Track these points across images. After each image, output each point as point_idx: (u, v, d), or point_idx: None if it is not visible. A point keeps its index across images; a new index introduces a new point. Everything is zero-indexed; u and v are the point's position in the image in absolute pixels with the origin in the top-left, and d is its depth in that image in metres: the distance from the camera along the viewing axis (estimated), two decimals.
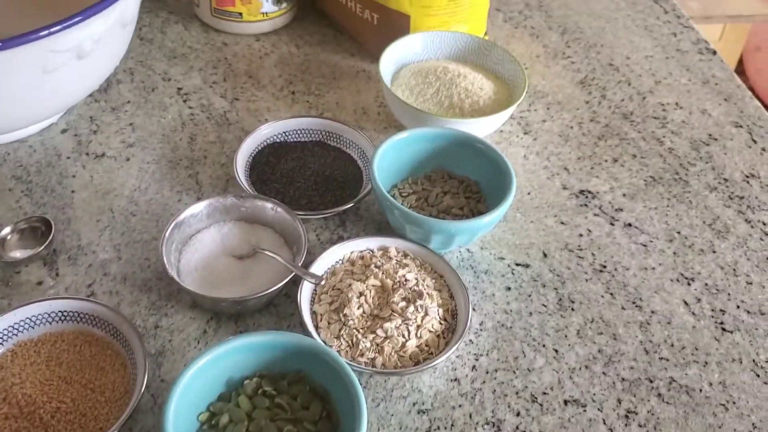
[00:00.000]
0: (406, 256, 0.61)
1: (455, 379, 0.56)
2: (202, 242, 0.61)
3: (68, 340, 0.54)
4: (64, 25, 0.57)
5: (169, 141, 0.74)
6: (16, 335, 0.53)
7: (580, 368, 0.57)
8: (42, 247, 0.60)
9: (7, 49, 0.54)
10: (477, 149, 0.65)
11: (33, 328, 0.54)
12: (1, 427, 0.48)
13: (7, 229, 0.61)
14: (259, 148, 0.71)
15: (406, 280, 0.57)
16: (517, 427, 0.53)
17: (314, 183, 0.68)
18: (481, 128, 0.69)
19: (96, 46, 0.62)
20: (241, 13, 0.86)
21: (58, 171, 0.69)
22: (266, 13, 0.86)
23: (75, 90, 0.67)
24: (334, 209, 0.65)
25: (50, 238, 0.61)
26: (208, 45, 0.87)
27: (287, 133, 0.72)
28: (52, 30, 0.56)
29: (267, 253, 0.58)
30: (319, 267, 0.59)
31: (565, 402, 0.55)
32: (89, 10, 0.58)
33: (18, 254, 0.61)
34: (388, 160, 0.64)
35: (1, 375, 0.51)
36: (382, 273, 0.58)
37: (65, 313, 0.54)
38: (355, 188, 0.68)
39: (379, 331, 0.54)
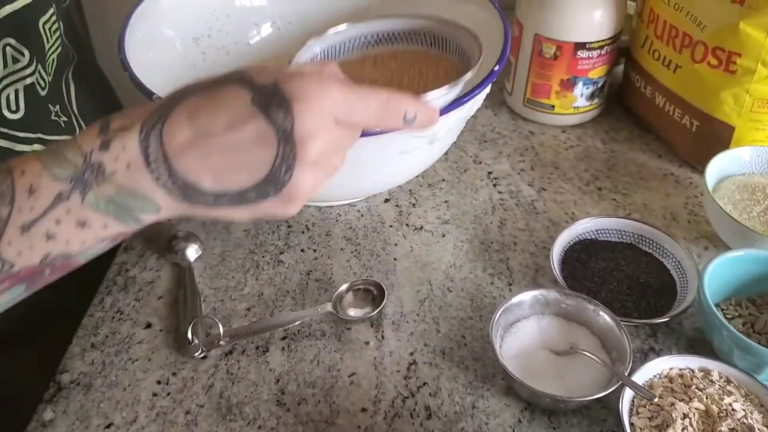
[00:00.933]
0: (729, 382, 0.59)
1: None
2: (522, 331, 0.63)
3: None
4: None
5: (481, 222, 0.78)
6: None
7: None
8: (376, 311, 0.66)
9: (381, 135, 0.61)
10: None
11: None
12: None
13: (344, 287, 0.68)
14: (571, 243, 0.72)
15: (733, 409, 0.56)
16: None
17: (627, 287, 0.68)
18: None
19: (446, 134, 0.68)
20: (553, 106, 0.89)
21: (383, 237, 0.76)
22: (577, 107, 0.89)
23: (419, 168, 0.73)
24: (649, 320, 0.64)
25: (383, 303, 0.66)
26: (516, 132, 0.91)
27: (599, 231, 0.73)
28: None
29: (590, 356, 0.59)
30: (636, 379, 0.59)
31: None
32: (452, 104, 0.64)
33: (353, 312, 0.67)
34: (714, 277, 0.63)
35: None
36: (706, 397, 0.57)
37: None
38: (668, 298, 0.67)
39: None
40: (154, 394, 0.60)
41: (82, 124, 0.75)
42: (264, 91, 0.40)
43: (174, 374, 0.62)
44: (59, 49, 0.71)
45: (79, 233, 0.40)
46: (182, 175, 0.40)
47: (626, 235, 0.73)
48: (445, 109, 0.64)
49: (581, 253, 0.72)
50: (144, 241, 0.74)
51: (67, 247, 0.40)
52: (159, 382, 0.61)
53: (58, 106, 0.71)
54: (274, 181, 0.40)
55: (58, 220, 0.39)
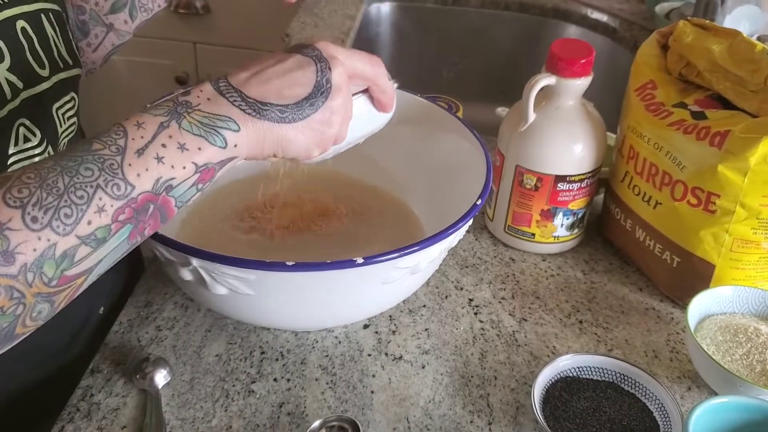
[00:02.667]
0: None
1: None
2: None
3: None
4: (414, 249, 0.62)
5: (462, 354, 0.76)
6: None
7: None
8: None
9: (367, 265, 0.60)
10: None
11: None
12: None
13: (316, 424, 0.65)
14: (553, 380, 0.70)
15: None
16: None
17: (610, 430, 0.66)
18: None
19: (428, 265, 0.67)
20: (534, 234, 0.89)
21: (360, 368, 0.73)
22: (557, 237, 0.89)
23: (401, 296, 0.73)
24: None
25: None
26: (497, 258, 0.91)
27: (581, 369, 0.72)
28: (404, 252, 0.62)
29: None
30: None
31: None
32: (435, 237, 0.63)
33: None
34: (699, 424, 0.61)
35: None
36: None
37: None
38: None
39: None
40: None
41: None
42: (290, 47, 0.55)
43: None
44: (74, 132, 0.71)
45: (180, 156, 0.48)
46: (252, 95, 0.51)
47: (608, 373, 0.72)
48: (428, 241, 0.63)
49: (563, 391, 0.70)
50: (112, 364, 0.72)
51: (173, 172, 0.47)
52: None
53: None
54: (320, 90, 0.52)
55: (163, 144, 0.47)
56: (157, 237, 0.61)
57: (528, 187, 0.86)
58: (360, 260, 0.60)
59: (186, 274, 0.64)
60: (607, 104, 1.03)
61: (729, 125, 0.73)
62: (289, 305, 0.66)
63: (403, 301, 0.82)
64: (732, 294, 0.76)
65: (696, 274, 0.79)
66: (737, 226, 0.75)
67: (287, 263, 0.58)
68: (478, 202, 0.68)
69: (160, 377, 0.70)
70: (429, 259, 0.66)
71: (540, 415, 0.65)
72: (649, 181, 0.81)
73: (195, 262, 0.61)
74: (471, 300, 0.84)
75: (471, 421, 0.68)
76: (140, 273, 0.84)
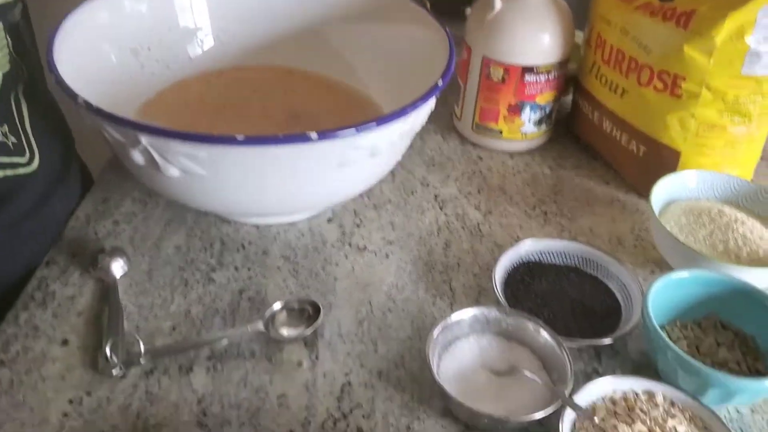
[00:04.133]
0: (673, 405, 0.56)
1: None
2: (461, 351, 0.60)
3: None
4: (371, 125, 0.60)
5: (426, 244, 0.75)
6: None
7: None
8: (309, 330, 0.63)
9: (322, 141, 0.58)
10: (761, 304, 0.60)
11: None
12: None
13: (277, 306, 0.64)
14: (515, 265, 0.70)
15: None
16: None
17: (571, 310, 0.66)
18: (763, 280, 0.64)
19: (388, 148, 0.66)
20: (501, 131, 0.88)
21: (323, 257, 0.73)
22: (525, 134, 0.88)
23: (363, 185, 0.71)
24: (592, 340, 0.62)
25: (318, 321, 0.63)
26: (465, 157, 0.89)
27: (543, 253, 0.71)
28: (360, 128, 0.60)
29: (531, 376, 0.57)
30: (578, 400, 0.56)
31: None
32: (393, 115, 0.62)
33: (285, 331, 0.63)
34: (659, 298, 0.61)
35: None
36: (650, 420, 0.54)
37: None
38: (613, 321, 0.65)
39: None
40: (65, 415, 0.56)
41: (34, 146, 0.71)
42: None
43: (89, 394, 0.57)
44: (7, 67, 0.68)
45: None
46: None
47: (571, 257, 0.71)
48: (386, 119, 0.62)
49: (524, 275, 0.69)
50: (68, 256, 0.70)
51: None
52: (71, 402, 0.57)
53: (6, 126, 0.68)
54: None
55: None
56: (105, 115, 0.59)
57: (495, 80, 0.84)
58: (314, 135, 0.58)
59: (137, 157, 0.62)
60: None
61: (695, 5, 0.71)
62: (245, 189, 0.64)
63: (368, 196, 0.81)
64: (697, 179, 0.75)
65: (662, 163, 0.79)
66: (703, 109, 0.74)
67: (237, 137, 0.57)
68: (440, 83, 0.66)
69: (117, 267, 0.68)
70: (388, 140, 0.64)
71: (501, 295, 0.65)
72: (616, 68, 0.80)
73: (144, 139, 0.59)
74: (437, 195, 0.83)
75: (433, 304, 0.68)
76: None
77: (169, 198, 0.69)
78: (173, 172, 0.61)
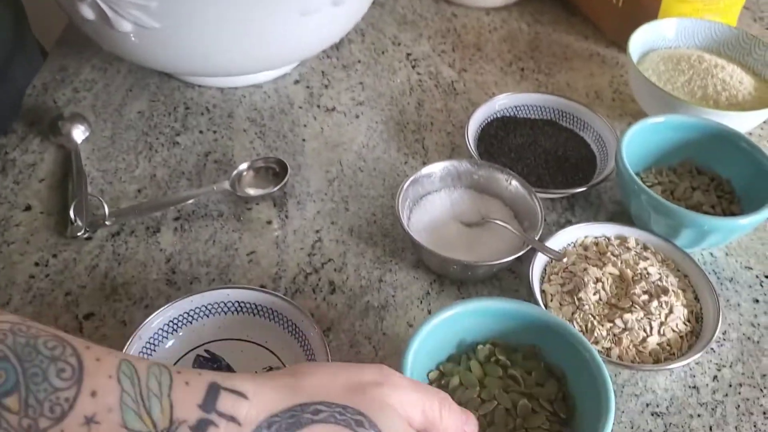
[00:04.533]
0: (646, 249, 0.56)
1: (694, 387, 0.51)
2: (432, 204, 0.59)
3: None
4: None
5: (397, 104, 0.73)
6: (191, 323, 0.49)
7: None
8: (276, 188, 0.61)
9: None
10: (738, 147, 0.59)
11: (208, 316, 0.50)
12: None
13: (244, 165, 0.63)
14: (489, 120, 0.68)
15: (648, 273, 0.53)
16: None
17: (545, 162, 0.65)
18: (740, 124, 0.63)
19: None
20: None
21: (291, 119, 0.70)
22: None
23: (327, 38, 0.68)
24: (566, 190, 0.61)
25: (285, 180, 0.62)
26: (438, 15, 0.86)
27: (518, 108, 0.69)
28: None
29: (501, 224, 0.56)
30: (550, 246, 0.56)
31: None
32: None
33: (252, 191, 0.62)
34: (634, 144, 0.60)
35: None
36: (621, 262, 0.54)
37: (241, 304, 0.50)
38: (588, 172, 0.64)
39: (618, 321, 0.50)
40: (32, 276, 0.55)
41: None
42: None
43: (54, 256, 0.57)
44: None
45: None
46: None
47: (546, 111, 0.69)
48: None
49: (498, 129, 0.68)
50: (26, 123, 0.68)
51: None
52: (37, 264, 0.56)
53: None
54: None
55: None
56: None
57: None
58: None
59: (87, 12, 0.58)
60: None
61: None
62: (203, 42, 0.61)
63: (337, 57, 0.78)
64: (676, 27, 0.72)
65: (642, 13, 0.75)
66: None
67: None
68: None
69: (78, 132, 0.66)
70: None
71: (474, 150, 0.64)
72: None
73: None
74: (409, 54, 0.79)
75: (405, 162, 0.66)
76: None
77: (128, 59, 0.65)
78: (125, 26, 0.58)
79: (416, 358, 0.44)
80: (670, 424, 0.48)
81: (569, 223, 0.61)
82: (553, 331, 0.46)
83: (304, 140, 0.68)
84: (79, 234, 0.57)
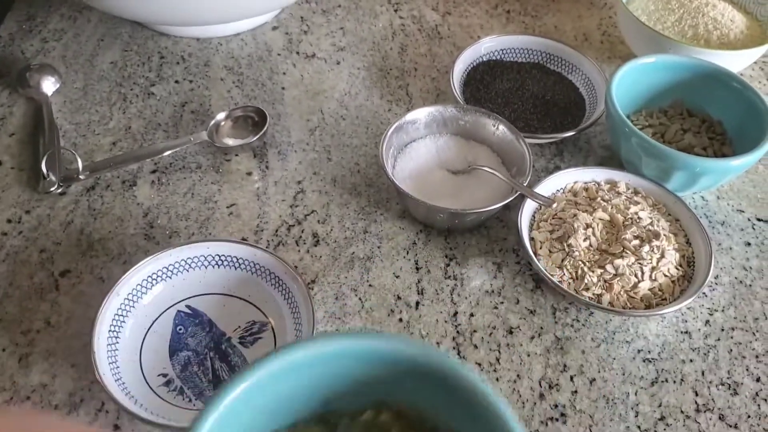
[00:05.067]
0: (636, 193, 0.55)
1: (686, 332, 0.50)
2: (417, 151, 0.57)
3: None
4: None
5: (380, 49, 0.70)
6: (170, 277, 0.48)
7: None
8: (255, 137, 0.59)
9: None
10: (730, 86, 0.58)
11: (188, 270, 0.48)
12: None
13: (221, 115, 0.61)
14: (474, 64, 0.66)
15: (638, 218, 0.52)
16: (757, 394, 0.47)
17: (533, 106, 0.63)
18: (732, 63, 0.61)
19: None
20: None
21: (269, 66, 0.68)
22: None
23: None
24: (555, 135, 0.60)
25: (264, 129, 0.60)
26: None
27: (504, 51, 0.67)
28: None
29: (489, 170, 0.54)
30: (540, 193, 0.54)
31: None
32: None
33: (230, 142, 0.60)
34: (624, 86, 0.58)
35: None
36: (611, 207, 0.53)
37: (222, 257, 0.49)
38: (577, 116, 0.63)
39: (609, 267, 0.49)
40: (4, 234, 0.53)
41: None
42: None
43: (27, 212, 0.54)
44: None
45: None
46: None
47: (533, 54, 0.67)
48: None
49: (485, 74, 0.66)
50: None
51: None
52: (10, 221, 0.54)
53: None
54: None
55: None
56: None
57: None
58: None
59: None
60: None
61: None
62: None
63: (316, 1, 0.75)
64: None
65: None
66: None
67: None
68: None
69: (48, 84, 0.63)
70: None
71: (460, 95, 0.62)
72: None
73: None
74: None
75: (389, 110, 0.64)
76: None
77: (98, 7, 0.62)
78: None
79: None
80: (662, 369, 0.48)
81: (558, 169, 0.60)
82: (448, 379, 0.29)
83: (283, 88, 0.66)
84: (52, 189, 0.55)
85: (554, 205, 0.53)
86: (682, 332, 0.50)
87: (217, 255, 0.48)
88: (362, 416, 0.32)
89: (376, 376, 0.30)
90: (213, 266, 0.49)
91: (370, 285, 0.52)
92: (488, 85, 0.65)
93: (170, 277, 0.48)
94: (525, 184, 0.53)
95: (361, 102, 0.65)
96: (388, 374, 0.30)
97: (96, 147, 0.60)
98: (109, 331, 0.44)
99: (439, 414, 0.31)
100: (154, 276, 0.47)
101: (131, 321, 0.46)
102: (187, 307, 0.48)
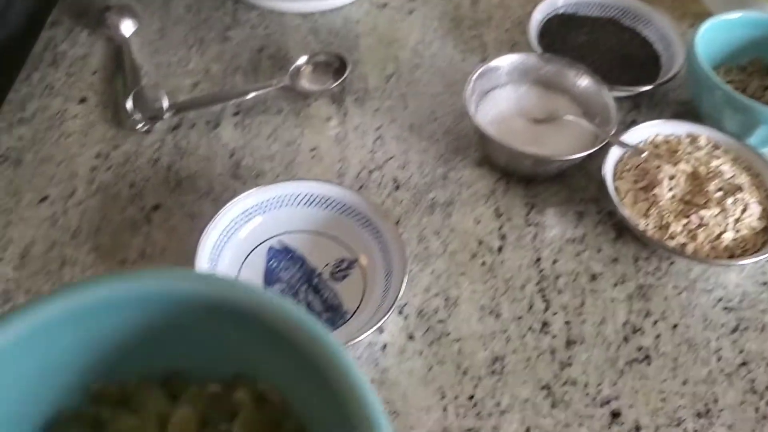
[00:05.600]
0: (717, 147, 0.55)
1: (764, 283, 0.50)
2: (498, 99, 0.58)
3: None
4: None
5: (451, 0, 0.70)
6: (264, 213, 0.49)
7: None
8: (336, 83, 0.60)
9: None
10: None
11: (280, 208, 0.49)
12: None
13: (302, 60, 0.61)
14: (549, 17, 0.66)
15: (720, 171, 0.52)
16: None
17: (609, 61, 0.63)
18: None
19: None
20: None
21: (343, 15, 0.68)
22: None
23: None
24: (633, 87, 0.60)
25: (345, 74, 0.60)
26: None
27: (580, 5, 0.67)
28: None
29: (575, 119, 0.55)
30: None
31: None
32: None
33: (310, 86, 0.60)
34: (704, 41, 0.58)
35: None
36: (694, 160, 0.53)
37: (313, 197, 0.50)
38: (652, 71, 0.63)
39: (694, 218, 0.50)
40: (93, 169, 0.54)
41: None
42: None
43: (115, 148, 0.56)
44: None
45: None
46: None
47: (607, 8, 0.67)
48: None
49: (560, 27, 0.66)
50: (72, 15, 0.66)
51: None
52: (98, 156, 0.55)
53: None
54: None
55: None
56: None
57: None
58: None
59: None
60: None
61: None
62: None
63: None
64: None
65: None
66: None
67: None
68: None
69: (127, 26, 0.64)
70: None
71: (538, 46, 0.62)
72: None
73: None
74: None
75: (463, 59, 0.65)
76: None
77: None
78: None
79: None
80: (743, 318, 0.48)
81: (634, 123, 0.60)
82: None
83: (357, 36, 0.66)
84: (138, 127, 0.56)
85: (644, 154, 0.53)
86: (762, 284, 0.50)
87: (308, 194, 0.49)
88: (209, 388, 0.29)
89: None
90: (303, 205, 0.50)
91: (451, 230, 0.52)
92: (563, 39, 0.65)
93: (264, 213, 0.49)
94: (611, 134, 0.53)
95: (435, 51, 0.65)
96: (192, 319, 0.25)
97: (177, 87, 0.60)
98: (209, 261, 0.45)
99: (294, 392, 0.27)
100: (251, 210, 0.48)
101: (229, 253, 0.47)
102: (279, 242, 0.49)
